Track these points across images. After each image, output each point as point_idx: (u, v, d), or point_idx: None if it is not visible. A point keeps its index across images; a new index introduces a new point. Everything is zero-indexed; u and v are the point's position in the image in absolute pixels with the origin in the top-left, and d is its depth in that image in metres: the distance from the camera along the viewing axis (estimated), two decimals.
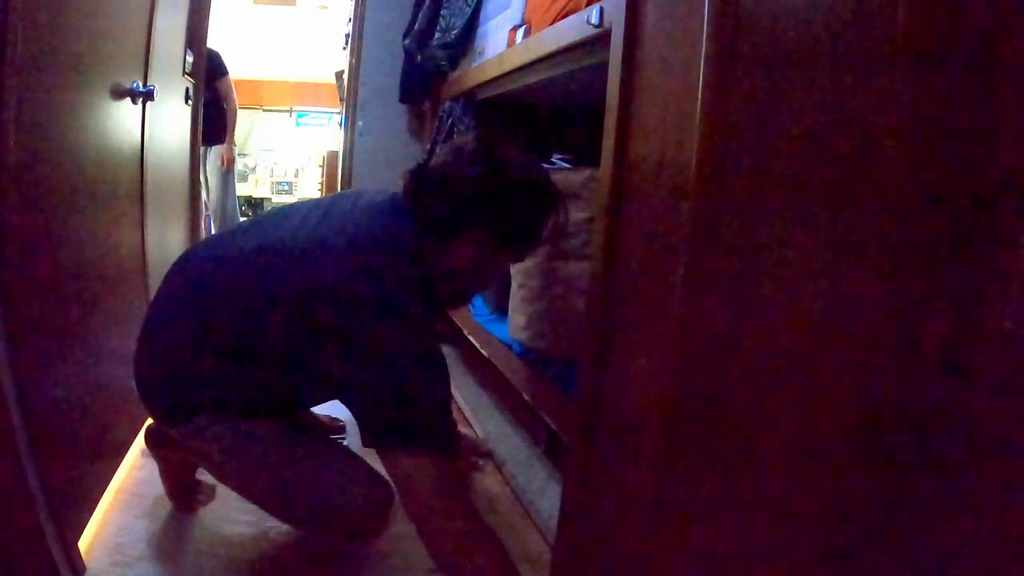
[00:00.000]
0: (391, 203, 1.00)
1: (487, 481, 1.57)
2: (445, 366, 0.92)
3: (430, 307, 0.95)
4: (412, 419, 0.86)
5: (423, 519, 0.87)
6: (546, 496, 1.43)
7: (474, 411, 1.95)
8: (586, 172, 1.14)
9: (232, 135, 3.56)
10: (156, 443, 1.30)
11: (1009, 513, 0.45)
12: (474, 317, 1.79)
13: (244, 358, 0.97)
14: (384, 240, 0.93)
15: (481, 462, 1.58)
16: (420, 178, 0.99)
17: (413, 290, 0.89)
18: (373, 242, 0.92)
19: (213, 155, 3.52)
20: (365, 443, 0.89)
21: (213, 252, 1.06)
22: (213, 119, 3.07)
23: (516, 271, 1.33)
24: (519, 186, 0.99)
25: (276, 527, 1.31)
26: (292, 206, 1.12)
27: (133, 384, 1.14)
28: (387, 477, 0.94)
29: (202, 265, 1.05)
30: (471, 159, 0.96)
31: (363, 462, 1.06)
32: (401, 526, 1.35)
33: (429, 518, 0.86)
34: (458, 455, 0.99)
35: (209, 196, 3.36)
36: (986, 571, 0.47)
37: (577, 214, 1.15)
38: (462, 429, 1.54)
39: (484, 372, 2.23)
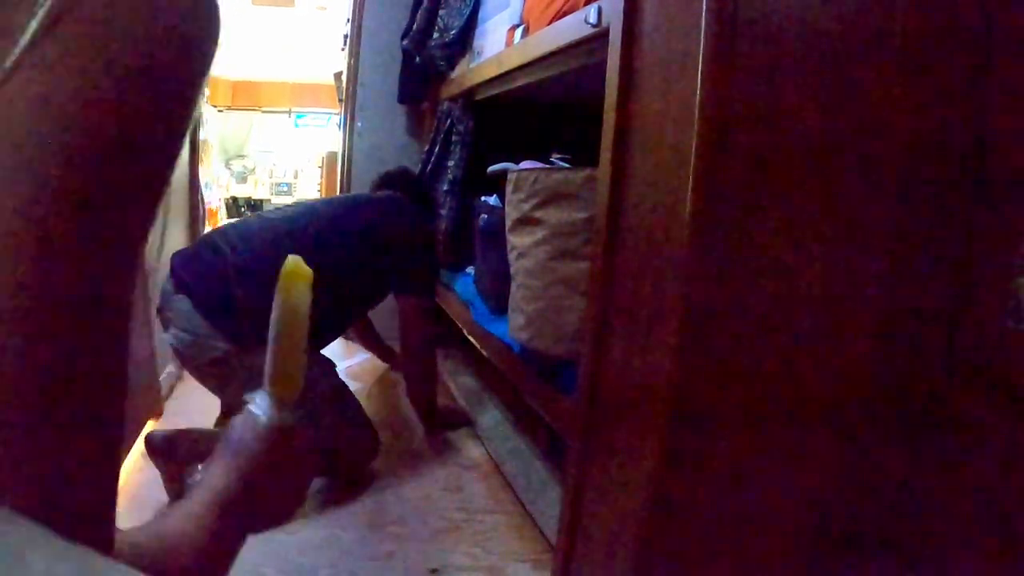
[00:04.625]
0: (391, 195, 1.88)
1: (487, 483, 1.57)
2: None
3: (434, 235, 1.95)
4: (430, 282, 1.78)
5: (420, 336, 1.72)
6: (546, 496, 1.43)
7: (474, 411, 1.95)
8: (585, 172, 1.14)
9: None
10: (156, 451, 1.35)
11: (1011, 510, 0.45)
12: (474, 317, 1.79)
13: (344, 289, 1.55)
14: (412, 206, 1.81)
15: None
16: (404, 183, 1.95)
17: (432, 227, 1.91)
18: (410, 207, 1.80)
19: None
20: (399, 293, 1.69)
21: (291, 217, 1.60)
22: None
23: (516, 271, 1.33)
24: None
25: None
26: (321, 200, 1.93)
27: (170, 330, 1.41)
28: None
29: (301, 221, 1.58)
30: (416, 177, 2.11)
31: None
32: (401, 528, 1.36)
33: (422, 336, 1.72)
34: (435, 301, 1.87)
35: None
36: (985, 563, 0.48)
37: (577, 214, 1.15)
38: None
39: (484, 372, 2.23)
